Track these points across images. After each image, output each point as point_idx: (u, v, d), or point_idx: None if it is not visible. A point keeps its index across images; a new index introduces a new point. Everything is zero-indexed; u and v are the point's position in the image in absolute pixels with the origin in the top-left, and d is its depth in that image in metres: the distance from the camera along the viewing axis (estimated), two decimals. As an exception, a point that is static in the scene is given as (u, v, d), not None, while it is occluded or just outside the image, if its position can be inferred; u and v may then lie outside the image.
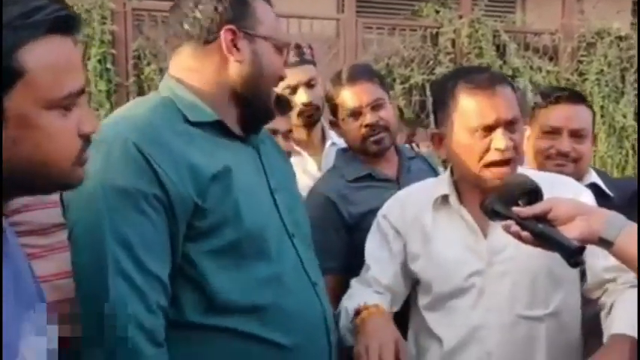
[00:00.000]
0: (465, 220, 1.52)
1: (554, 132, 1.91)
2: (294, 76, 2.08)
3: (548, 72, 6.90)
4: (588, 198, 1.55)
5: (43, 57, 0.81)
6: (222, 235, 1.20)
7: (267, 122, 1.40)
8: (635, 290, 1.40)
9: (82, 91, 0.86)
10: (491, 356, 1.47)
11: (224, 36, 1.26)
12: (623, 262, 1.25)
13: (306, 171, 2.20)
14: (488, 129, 1.43)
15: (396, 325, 1.43)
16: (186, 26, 1.27)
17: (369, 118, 1.91)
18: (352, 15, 6.67)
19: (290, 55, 2.11)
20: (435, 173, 2.04)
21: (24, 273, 0.92)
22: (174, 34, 1.30)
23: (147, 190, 1.13)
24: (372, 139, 1.93)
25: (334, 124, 2.05)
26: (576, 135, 1.90)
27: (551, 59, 7.02)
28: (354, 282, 1.65)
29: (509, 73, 6.71)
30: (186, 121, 1.24)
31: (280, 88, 1.78)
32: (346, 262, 1.85)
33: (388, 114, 1.96)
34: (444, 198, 1.55)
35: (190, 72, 1.28)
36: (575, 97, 1.99)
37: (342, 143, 2.18)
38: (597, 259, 1.47)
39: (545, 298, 1.48)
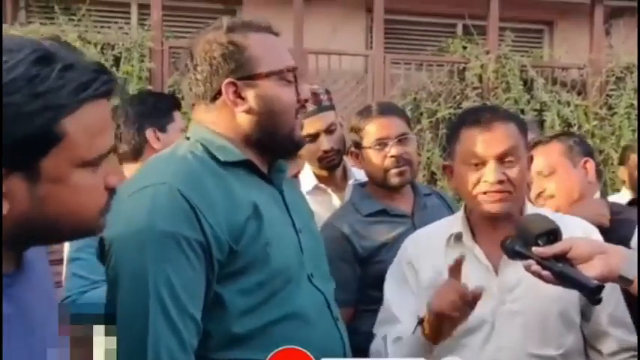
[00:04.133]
0: (478, 258, 1.56)
1: None
2: (313, 125, 2.08)
3: (576, 106, 6.90)
4: (598, 237, 1.59)
5: (84, 121, 0.81)
6: (250, 275, 1.23)
7: (295, 152, 1.42)
8: None
9: (112, 150, 0.87)
10: None
11: (225, 90, 1.28)
12: None
13: (332, 207, 2.19)
14: (481, 162, 1.51)
15: None
16: (192, 88, 1.31)
17: (395, 149, 1.94)
18: (380, 51, 6.80)
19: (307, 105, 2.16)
20: (449, 209, 2.07)
21: (42, 304, 0.90)
22: (187, 94, 1.36)
23: (189, 235, 1.18)
24: (394, 170, 1.95)
25: (354, 155, 2.08)
26: None
27: (579, 94, 7.02)
28: (376, 329, 1.65)
29: (537, 107, 6.75)
30: (218, 162, 1.30)
31: None
32: (358, 294, 1.91)
33: (412, 150, 2.02)
34: (458, 236, 1.60)
35: (210, 124, 1.34)
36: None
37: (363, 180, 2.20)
38: (604, 307, 1.48)
39: (557, 338, 1.51)
